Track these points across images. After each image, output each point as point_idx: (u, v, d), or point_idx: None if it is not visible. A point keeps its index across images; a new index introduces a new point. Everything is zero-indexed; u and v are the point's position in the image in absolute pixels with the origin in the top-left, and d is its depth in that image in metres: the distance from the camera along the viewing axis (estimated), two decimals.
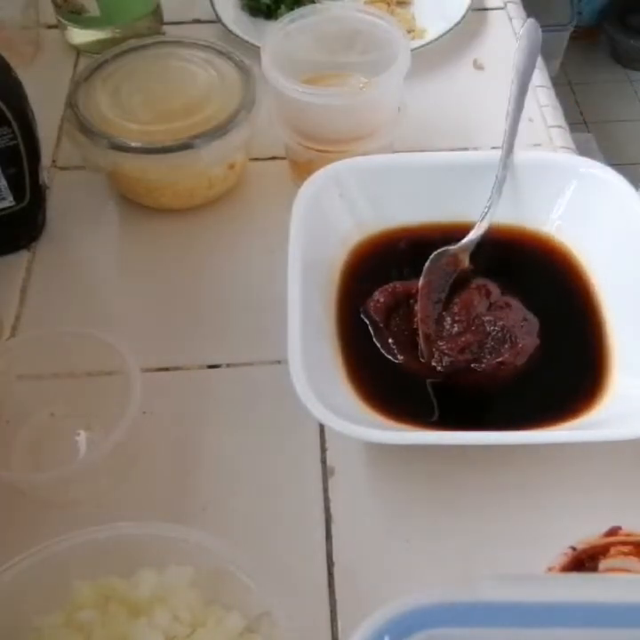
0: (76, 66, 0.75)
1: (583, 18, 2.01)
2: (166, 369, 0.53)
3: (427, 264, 0.51)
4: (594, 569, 0.37)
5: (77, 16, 0.72)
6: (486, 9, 0.80)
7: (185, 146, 0.56)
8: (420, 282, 0.51)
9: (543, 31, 0.58)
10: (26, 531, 0.45)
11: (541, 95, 0.71)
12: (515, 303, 0.51)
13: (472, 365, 0.49)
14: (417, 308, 0.50)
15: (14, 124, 0.53)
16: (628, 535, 0.38)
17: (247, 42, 0.72)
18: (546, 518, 0.46)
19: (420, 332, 0.49)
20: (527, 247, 0.55)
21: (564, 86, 1.99)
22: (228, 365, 0.53)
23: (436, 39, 0.73)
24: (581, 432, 0.45)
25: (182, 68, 0.62)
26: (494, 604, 0.24)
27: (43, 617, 0.37)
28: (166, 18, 0.78)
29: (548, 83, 0.73)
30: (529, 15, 0.67)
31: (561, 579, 0.32)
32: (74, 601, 0.38)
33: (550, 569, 0.37)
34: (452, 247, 0.52)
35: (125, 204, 0.63)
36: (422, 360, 0.49)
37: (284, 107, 0.59)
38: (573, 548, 0.37)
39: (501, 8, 0.81)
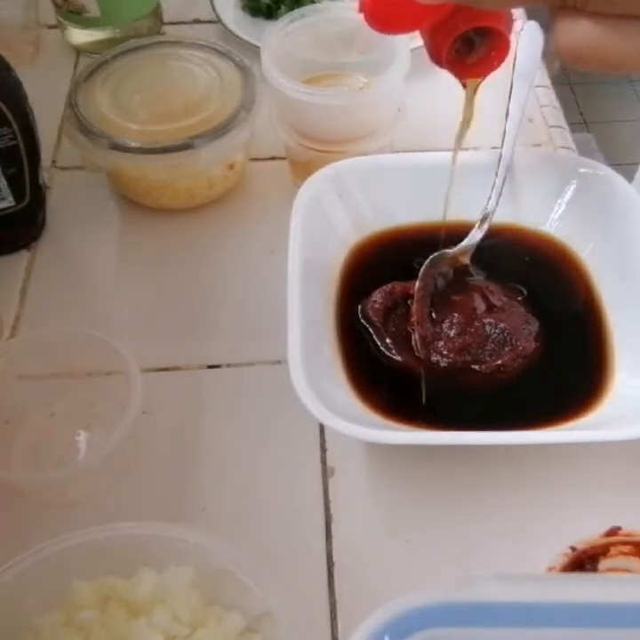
0: (76, 66, 0.75)
1: None
2: (166, 369, 0.53)
3: (423, 267, 0.51)
4: (594, 569, 0.37)
5: (77, 16, 0.72)
6: None
7: (185, 146, 0.56)
8: (416, 285, 0.51)
9: (543, 31, 0.58)
10: (26, 531, 0.45)
11: (541, 95, 0.71)
12: (516, 305, 0.51)
13: (472, 366, 0.49)
14: (413, 309, 0.50)
15: (14, 124, 0.53)
16: (627, 535, 0.38)
17: (247, 42, 0.72)
18: (546, 518, 0.46)
19: (417, 334, 0.49)
20: (527, 247, 0.55)
21: (563, 86, 1.99)
22: (228, 365, 0.53)
23: None
24: (581, 432, 0.45)
25: (182, 67, 0.62)
26: (494, 604, 0.24)
27: (43, 617, 0.37)
28: (166, 18, 0.78)
29: (548, 83, 0.73)
30: (529, 15, 0.67)
31: (561, 579, 0.32)
32: (74, 601, 0.38)
33: (550, 569, 0.37)
34: (449, 250, 0.52)
35: (125, 203, 0.63)
36: (421, 360, 0.49)
37: (283, 107, 0.59)
38: (573, 548, 0.37)
39: None
